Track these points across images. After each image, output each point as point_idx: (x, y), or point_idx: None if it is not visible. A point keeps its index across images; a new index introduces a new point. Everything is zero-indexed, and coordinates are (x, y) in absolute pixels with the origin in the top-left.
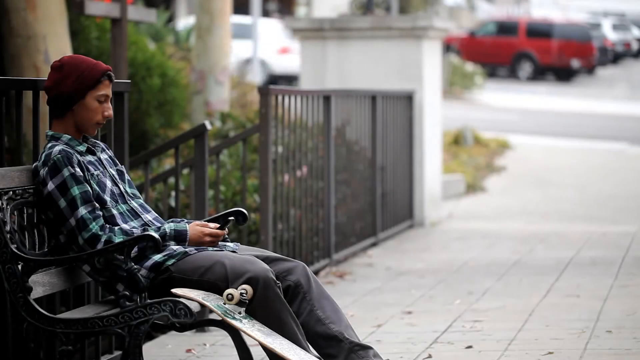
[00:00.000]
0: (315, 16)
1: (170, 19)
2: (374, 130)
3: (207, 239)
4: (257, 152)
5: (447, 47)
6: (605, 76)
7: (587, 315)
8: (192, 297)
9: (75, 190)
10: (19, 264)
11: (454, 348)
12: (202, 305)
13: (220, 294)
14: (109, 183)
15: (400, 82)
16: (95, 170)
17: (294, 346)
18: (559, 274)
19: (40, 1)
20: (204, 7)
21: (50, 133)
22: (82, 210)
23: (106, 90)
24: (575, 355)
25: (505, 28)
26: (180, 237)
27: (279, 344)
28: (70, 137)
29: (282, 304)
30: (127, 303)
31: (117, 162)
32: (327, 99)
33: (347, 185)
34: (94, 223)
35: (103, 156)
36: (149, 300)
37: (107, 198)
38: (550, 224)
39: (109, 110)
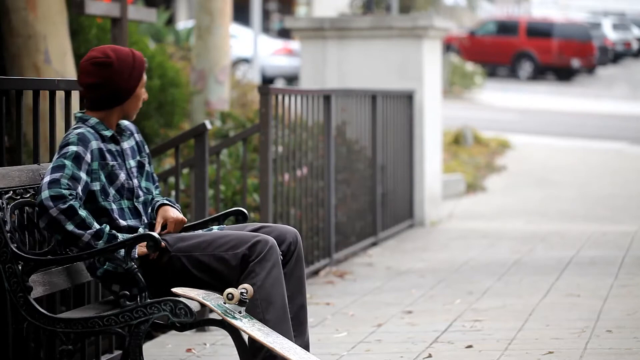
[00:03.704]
0: (316, 16)
1: (171, 20)
2: (374, 129)
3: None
4: (257, 152)
5: (447, 46)
6: (606, 76)
7: (587, 314)
8: (193, 296)
9: (69, 164)
10: (19, 263)
11: (454, 347)
12: (202, 305)
13: (226, 266)
14: (122, 176)
15: (400, 82)
16: (111, 161)
17: (294, 345)
18: (559, 274)
19: (40, 1)
20: (204, 7)
21: (79, 115)
22: (64, 175)
23: (145, 77)
24: (576, 355)
25: (506, 27)
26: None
27: (279, 343)
28: (98, 120)
29: (281, 276)
30: (128, 303)
31: (144, 147)
32: (327, 98)
33: (347, 184)
34: (66, 191)
35: (127, 144)
36: (149, 300)
37: (112, 191)
38: (550, 223)
39: (146, 94)
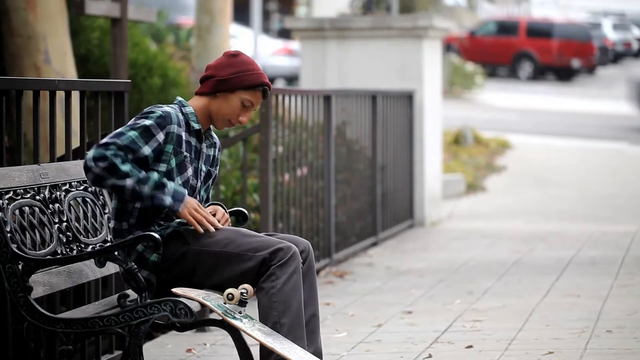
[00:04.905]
0: (316, 16)
1: None
2: (374, 129)
3: (197, 217)
4: (257, 152)
5: (448, 46)
6: (606, 76)
7: (587, 315)
8: (193, 296)
9: (132, 135)
10: (19, 263)
11: (454, 348)
12: (203, 305)
13: (245, 264)
14: (190, 171)
15: (400, 82)
16: (186, 152)
17: (294, 345)
18: (559, 274)
19: (40, 1)
20: (204, 7)
21: (181, 98)
22: (117, 142)
23: (254, 99)
24: (576, 355)
25: (506, 28)
26: (177, 196)
27: (279, 343)
28: (192, 111)
29: (300, 282)
30: (128, 303)
31: (217, 167)
32: (327, 98)
33: (347, 184)
34: (112, 151)
35: (207, 151)
36: (149, 300)
37: (179, 181)
38: (551, 223)
39: (245, 118)
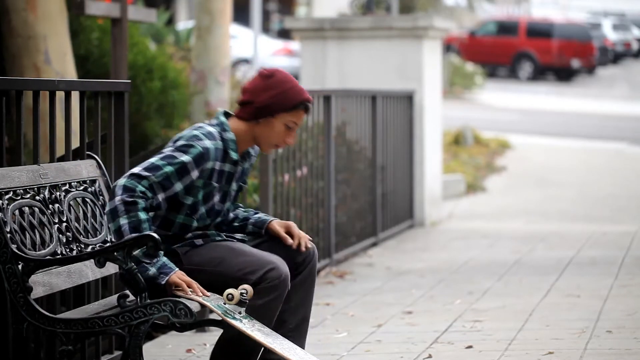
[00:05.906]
0: (316, 16)
1: (171, 20)
2: (374, 130)
3: (187, 280)
4: None
5: (447, 47)
6: (606, 76)
7: (587, 315)
8: (193, 297)
9: (169, 169)
10: (19, 264)
11: (454, 348)
12: (202, 305)
13: (237, 284)
14: (216, 198)
15: (400, 82)
16: (215, 182)
17: (294, 346)
18: (559, 274)
19: (40, 1)
20: (204, 7)
21: (223, 119)
22: (151, 177)
23: (298, 119)
24: (576, 355)
25: (506, 28)
26: (163, 269)
27: (279, 344)
28: (234, 138)
29: (278, 308)
30: (127, 303)
31: (249, 172)
32: (327, 98)
33: (347, 185)
34: (143, 188)
35: (241, 167)
36: (149, 300)
37: (202, 210)
38: (551, 223)
39: (291, 139)
